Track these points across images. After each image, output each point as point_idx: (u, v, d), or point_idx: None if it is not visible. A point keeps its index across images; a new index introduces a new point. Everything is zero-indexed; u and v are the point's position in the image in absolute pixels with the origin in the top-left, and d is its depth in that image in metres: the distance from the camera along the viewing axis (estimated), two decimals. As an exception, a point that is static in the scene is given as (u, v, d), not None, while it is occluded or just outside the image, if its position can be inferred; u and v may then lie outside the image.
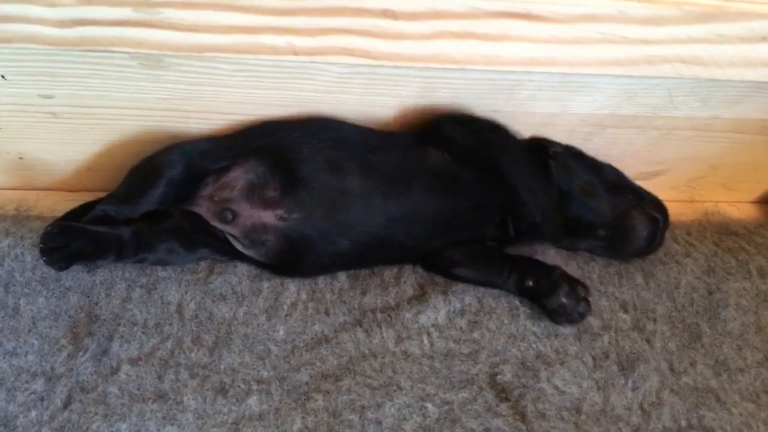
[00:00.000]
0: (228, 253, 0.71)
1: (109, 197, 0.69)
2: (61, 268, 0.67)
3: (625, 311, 0.73)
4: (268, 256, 0.69)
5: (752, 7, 0.56)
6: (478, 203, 0.72)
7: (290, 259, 0.69)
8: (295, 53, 0.57)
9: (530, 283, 0.71)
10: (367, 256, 0.71)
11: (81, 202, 0.73)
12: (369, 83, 0.66)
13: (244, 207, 0.68)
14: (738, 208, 0.90)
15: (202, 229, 0.69)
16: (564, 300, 0.69)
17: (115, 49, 0.56)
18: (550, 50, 0.57)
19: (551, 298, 0.69)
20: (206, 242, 0.70)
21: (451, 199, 0.71)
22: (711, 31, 0.57)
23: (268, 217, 0.67)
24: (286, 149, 0.68)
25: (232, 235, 0.69)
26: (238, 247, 0.69)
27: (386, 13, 0.54)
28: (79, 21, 0.54)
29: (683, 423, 0.65)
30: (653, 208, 0.74)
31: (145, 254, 0.69)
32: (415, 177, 0.69)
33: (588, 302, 0.70)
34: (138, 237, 0.68)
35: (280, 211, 0.67)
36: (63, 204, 0.76)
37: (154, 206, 0.68)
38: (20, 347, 0.64)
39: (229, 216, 0.68)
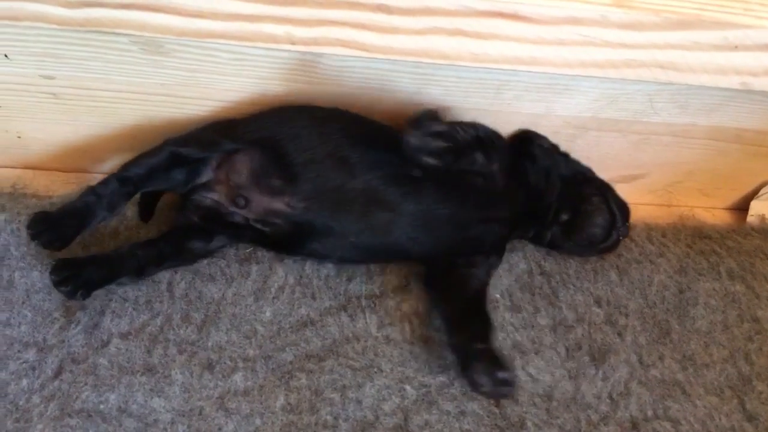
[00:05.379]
0: (243, 237, 0.71)
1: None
2: (84, 296, 0.64)
3: (599, 306, 0.75)
4: (275, 234, 0.69)
5: (726, 17, 0.59)
6: (486, 213, 0.71)
7: (293, 240, 0.69)
8: (293, 42, 0.59)
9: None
10: (363, 252, 0.70)
11: (74, 183, 0.75)
12: (362, 77, 0.68)
13: (254, 193, 0.67)
14: (713, 213, 0.92)
15: (214, 218, 0.69)
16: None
17: (120, 30, 0.57)
18: (534, 50, 0.60)
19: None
20: (220, 230, 0.70)
21: (457, 205, 0.69)
22: (687, 38, 0.60)
23: (278, 204, 0.67)
24: (284, 140, 0.67)
25: (247, 218, 0.69)
26: (257, 225, 0.69)
27: (381, 8, 0.57)
28: (86, 2, 0.55)
29: (649, 413, 0.67)
30: (616, 204, 0.74)
31: (171, 262, 0.70)
32: (417, 179, 0.67)
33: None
34: (159, 255, 0.69)
35: (287, 199, 0.66)
36: (58, 184, 0.78)
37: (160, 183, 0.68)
38: (14, 318, 0.65)
39: (242, 202, 0.67)
